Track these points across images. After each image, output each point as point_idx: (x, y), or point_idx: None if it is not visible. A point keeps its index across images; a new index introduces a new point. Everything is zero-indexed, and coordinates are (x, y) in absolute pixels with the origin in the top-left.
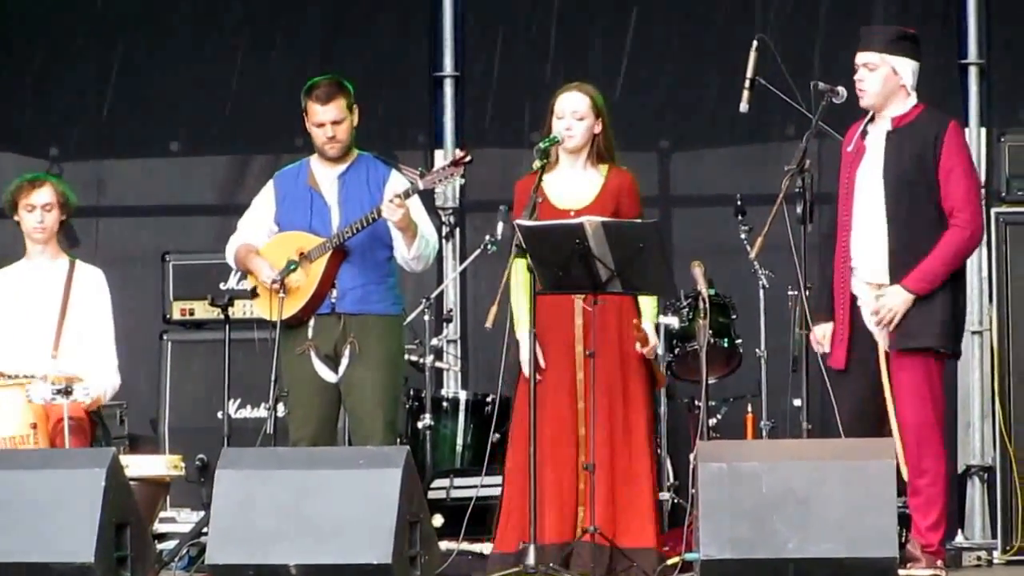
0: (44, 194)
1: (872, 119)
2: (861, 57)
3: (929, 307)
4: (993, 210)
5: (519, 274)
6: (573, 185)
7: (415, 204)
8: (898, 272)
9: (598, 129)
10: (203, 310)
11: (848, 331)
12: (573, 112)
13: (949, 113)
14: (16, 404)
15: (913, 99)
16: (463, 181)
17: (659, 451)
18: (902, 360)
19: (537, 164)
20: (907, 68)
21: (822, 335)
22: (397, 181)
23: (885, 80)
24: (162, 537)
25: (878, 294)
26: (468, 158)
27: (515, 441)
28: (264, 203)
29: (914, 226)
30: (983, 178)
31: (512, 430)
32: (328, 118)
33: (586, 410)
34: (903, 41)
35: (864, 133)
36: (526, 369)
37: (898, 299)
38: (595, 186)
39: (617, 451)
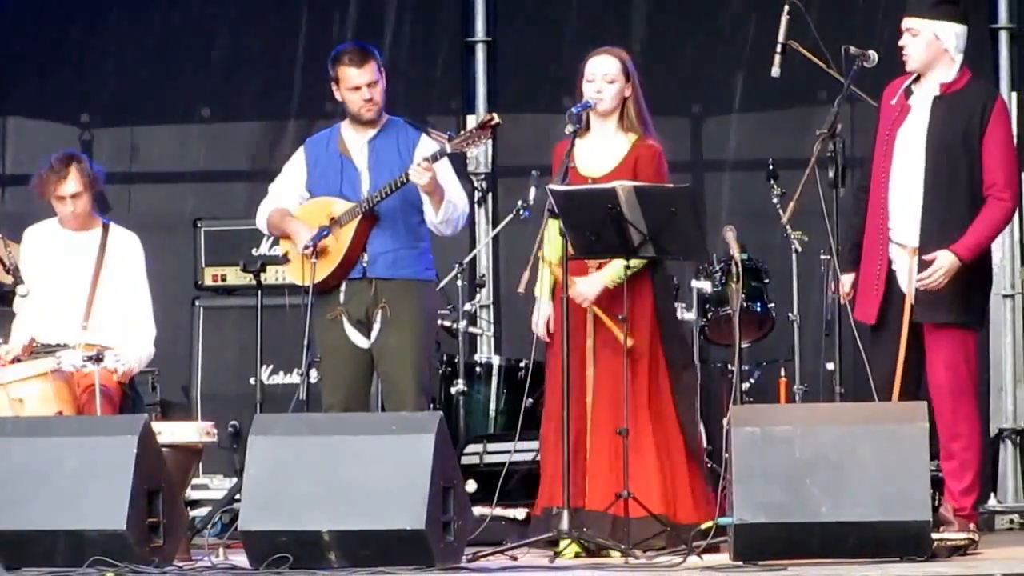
0: (71, 184)
1: (917, 79)
2: (906, 22)
3: (953, 281)
4: (1023, 173)
5: (551, 239)
6: (598, 151)
7: (444, 168)
8: (928, 241)
9: (628, 92)
10: (235, 276)
11: (884, 288)
12: (604, 75)
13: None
14: (40, 394)
15: (959, 64)
16: (490, 143)
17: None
18: (936, 333)
19: (569, 129)
20: (950, 32)
21: (848, 287)
22: (427, 145)
23: (928, 45)
24: (194, 504)
25: (927, 258)
26: (495, 121)
27: (547, 406)
28: (295, 169)
29: (950, 194)
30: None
31: (546, 396)
32: (364, 80)
33: (596, 376)
34: (945, 5)
35: (908, 92)
36: (538, 330)
37: (948, 261)
38: (618, 155)
39: (643, 416)
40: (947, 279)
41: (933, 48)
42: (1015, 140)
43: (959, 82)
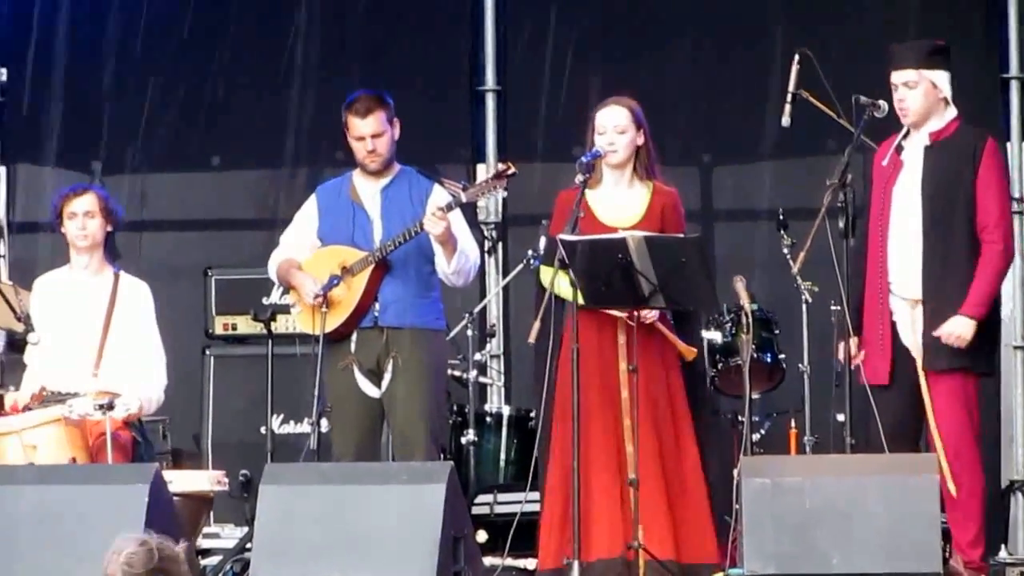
0: (85, 202)
1: (907, 134)
2: (898, 76)
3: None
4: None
5: (551, 279)
6: (620, 201)
7: (456, 218)
8: (931, 287)
9: (640, 141)
10: (246, 325)
11: (890, 346)
12: (615, 126)
13: (989, 127)
14: (54, 440)
15: (952, 111)
16: (505, 194)
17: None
18: (937, 378)
19: (579, 179)
20: (944, 80)
21: (854, 351)
22: (440, 195)
23: (926, 95)
24: (206, 553)
25: (944, 332)
26: (511, 171)
27: (555, 458)
28: (306, 217)
29: (949, 241)
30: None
31: (553, 447)
32: (367, 131)
33: (632, 426)
34: (936, 55)
35: (900, 148)
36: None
37: (963, 327)
38: (642, 203)
39: (668, 466)
40: (965, 339)
41: (931, 97)
42: (1008, 181)
43: (948, 128)
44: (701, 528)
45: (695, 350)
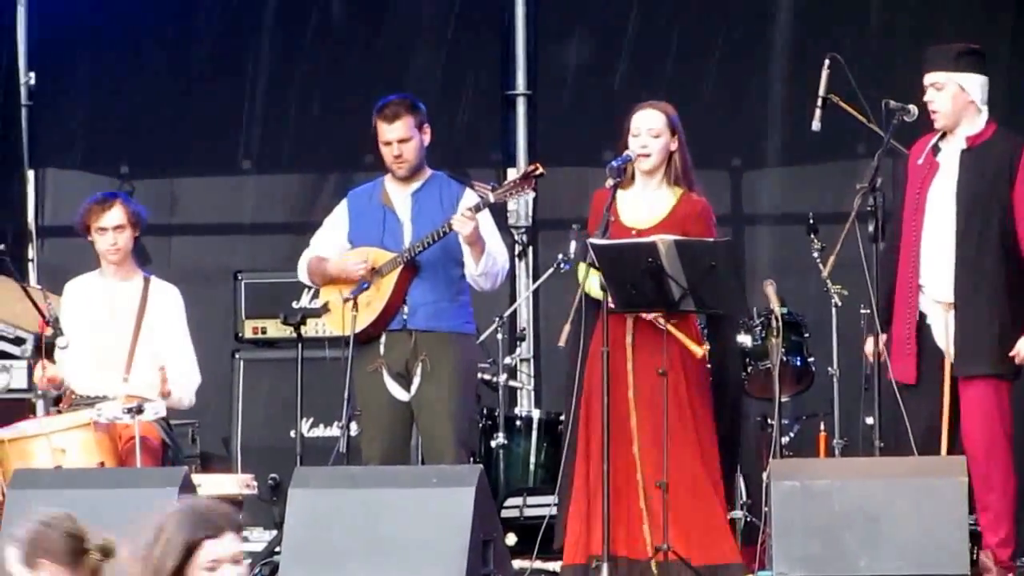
0: (114, 216)
1: (944, 135)
2: (928, 78)
3: (989, 333)
4: None
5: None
6: (643, 204)
7: (486, 221)
8: (963, 293)
9: (674, 147)
10: (275, 328)
11: (916, 347)
12: (649, 130)
13: (1019, 126)
14: (83, 444)
15: (985, 115)
16: (534, 195)
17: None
18: (969, 382)
19: (610, 182)
20: (975, 84)
21: (872, 348)
22: (470, 198)
23: (954, 98)
24: None
25: (1017, 354)
26: (539, 171)
27: (581, 458)
28: (337, 221)
29: (982, 246)
30: None
31: (579, 447)
32: (394, 136)
33: (639, 428)
34: (968, 56)
35: (936, 149)
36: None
37: None
38: (664, 208)
39: (685, 468)
40: None
41: (959, 101)
42: None
43: (985, 133)
44: (718, 529)
45: (704, 347)
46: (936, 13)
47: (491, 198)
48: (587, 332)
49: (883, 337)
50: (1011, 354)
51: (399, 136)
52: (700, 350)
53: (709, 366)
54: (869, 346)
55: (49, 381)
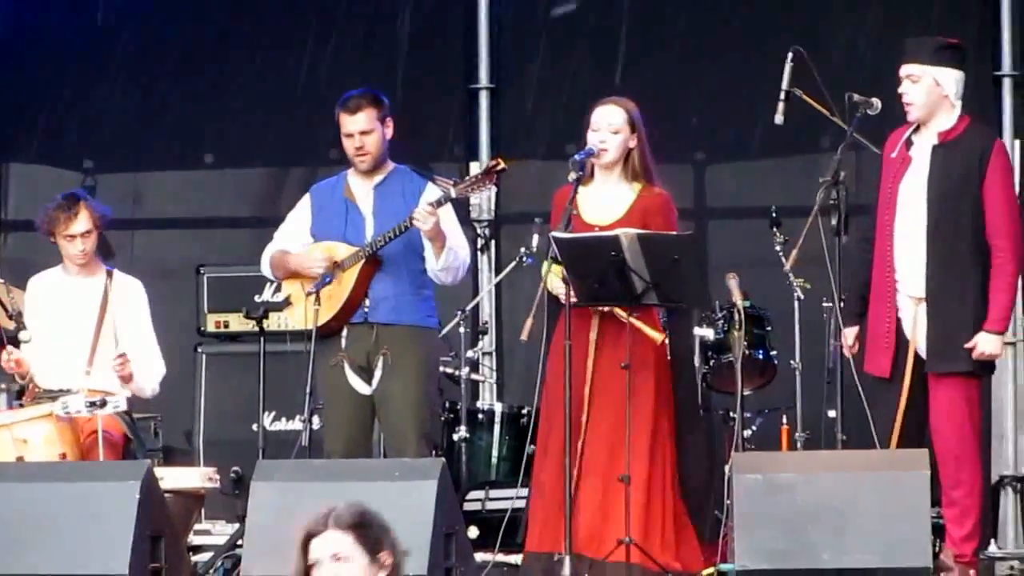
0: (82, 223)
1: (917, 129)
2: (905, 69)
3: (961, 330)
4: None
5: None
6: (604, 200)
7: (448, 216)
8: (933, 287)
9: (633, 143)
10: (238, 322)
11: (894, 340)
12: (609, 125)
13: (989, 124)
14: (45, 435)
15: (958, 110)
16: (496, 190)
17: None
18: (939, 378)
19: (572, 176)
20: (950, 79)
21: (851, 340)
22: (432, 192)
23: (928, 91)
24: (197, 549)
25: (974, 347)
26: (501, 166)
27: (540, 452)
28: (300, 215)
29: (954, 241)
30: (1017, 189)
31: (538, 441)
32: (356, 128)
33: (588, 424)
34: (945, 51)
35: (909, 143)
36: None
37: (992, 342)
38: (625, 203)
39: (635, 466)
40: (998, 353)
41: (934, 94)
42: (1016, 184)
43: (957, 128)
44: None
45: (661, 334)
46: (901, 5)
47: (453, 193)
48: (551, 326)
49: (854, 330)
50: (967, 345)
51: (361, 128)
52: (659, 336)
53: (669, 358)
54: (846, 338)
55: (17, 364)
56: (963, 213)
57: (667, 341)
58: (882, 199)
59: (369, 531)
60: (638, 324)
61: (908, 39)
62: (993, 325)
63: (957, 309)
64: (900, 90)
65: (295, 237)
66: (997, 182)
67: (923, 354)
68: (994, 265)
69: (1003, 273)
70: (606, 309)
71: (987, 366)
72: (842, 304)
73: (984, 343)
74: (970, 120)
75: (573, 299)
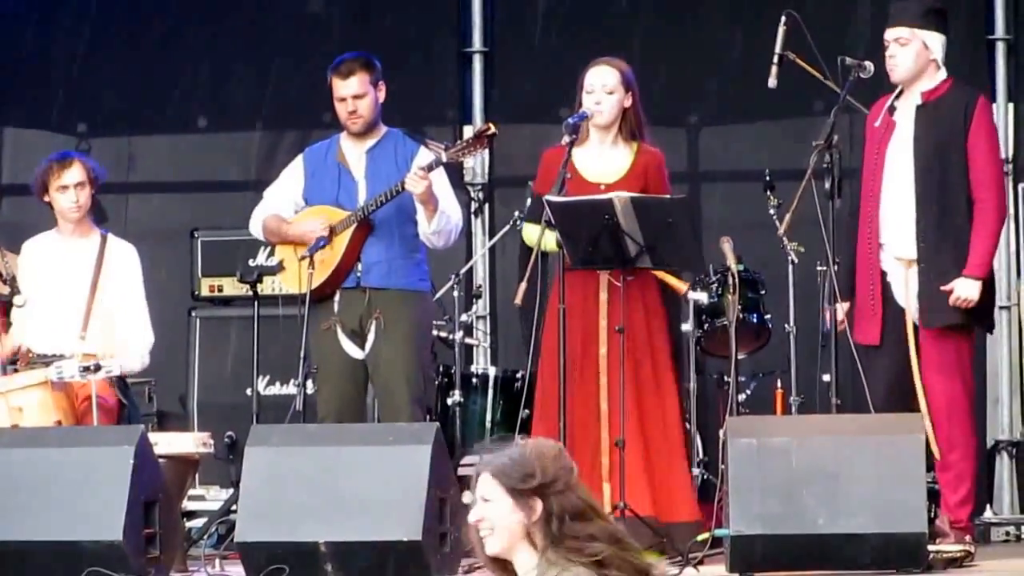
0: (75, 173)
1: (899, 94)
2: (892, 32)
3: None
4: (1020, 185)
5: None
6: (603, 159)
7: (440, 180)
8: (925, 247)
9: (628, 103)
10: (232, 287)
11: (881, 307)
12: (603, 86)
13: (978, 86)
14: (39, 402)
15: (943, 73)
16: (488, 154)
17: (688, 426)
18: (932, 336)
19: (566, 139)
20: (937, 42)
21: (841, 315)
22: (424, 156)
23: (917, 55)
24: (191, 515)
25: (949, 291)
26: (492, 131)
27: (539, 415)
28: (292, 177)
29: (943, 200)
30: (1011, 153)
31: (537, 405)
32: (348, 92)
33: (609, 385)
34: (933, 15)
35: (892, 109)
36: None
37: (969, 287)
38: (625, 162)
39: (649, 426)
40: (973, 300)
41: (922, 58)
42: (999, 141)
43: (940, 88)
44: (680, 488)
45: (686, 284)
46: None
47: (444, 157)
48: (544, 290)
49: (846, 305)
50: (944, 288)
51: (353, 92)
52: (684, 286)
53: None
54: (830, 314)
55: (12, 352)
56: (950, 170)
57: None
58: (867, 168)
59: (510, 478)
60: (663, 275)
61: (893, 2)
62: (972, 270)
63: (948, 265)
64: (888, 53)
65: (286, 199)
66: (981, 136)
67: (914, 316)
68: (976, 214)
69: (984, 222)
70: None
71: (981, 320)
72: (836, 269)
73: (962, 287)
74: (953, 80)
75: (567, 263)
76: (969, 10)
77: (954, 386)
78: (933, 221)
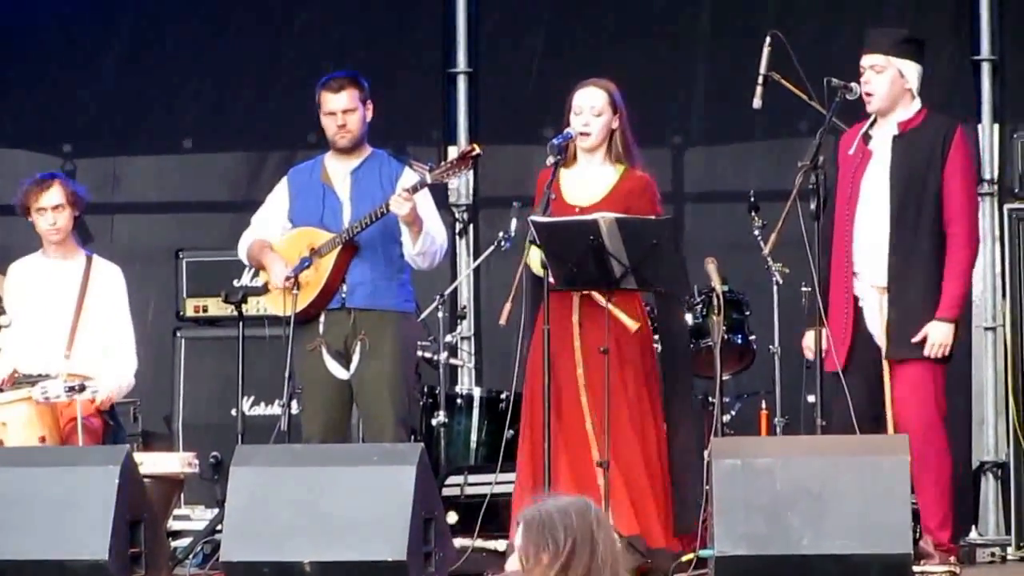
0: (53, 195)
1: (873, 123)
2: (867, 59)
3: (924, 316)
4: (1006, 206)
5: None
6: (585, 182)
7: (424, 201)
8: (896, 275)
9: (615, 125)
10: (217, 307)
11: (851, 333)
12: (591, 108)
13: (962, 109)
14: (24, 418)
15: (918, 103)
16: (472, 175)
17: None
18: (903, 366)
19: (551, 160)
20: (913, 71)
21: (811, 342)
22: (409, 177)
23: (892, 82)
24: (176, 534)
25: (926, 338)
26: (476, 151)
27: (524, 436)
28: (278, 199)
29: (916, 230)
30: (996, 174)
31: (521, 425)
32: (339, 106)
33: (589, 406)
34: (909, 44)
35: (867, 137)
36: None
37: (942, 331)
38: (607, 184)
39: (629, 447)
40: (946, 344)
41: (897, 86)
42: (975, 173)
43: (916, 119)
44: (647, 512)
45: (638, 322)
46: None
47: (428, 178)
48: (531, 310)
49: (827, 330)
50: (914, 340)
51: (344, 106)
52: (634, 324)
53: (658, 347)
54: (807, 339)
55: (9, 379)
56: (925, 201)
57: (651, 327)
58: (840, 196)
59: (530, 533)
60: (615, 311)
61: (871, 29)
62: (944, 312)
63: (920, 296)
64: (863, 79)
65: (273, 221)
66: (957, 169)
67: (881, 343)
68: (948, 252)
69: (956, 260)
70: (585, 292)
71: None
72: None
73: (934, 332)
74: (928, 110)
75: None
76: (954, 31)
77: (928, 410)
78: (905, 250)
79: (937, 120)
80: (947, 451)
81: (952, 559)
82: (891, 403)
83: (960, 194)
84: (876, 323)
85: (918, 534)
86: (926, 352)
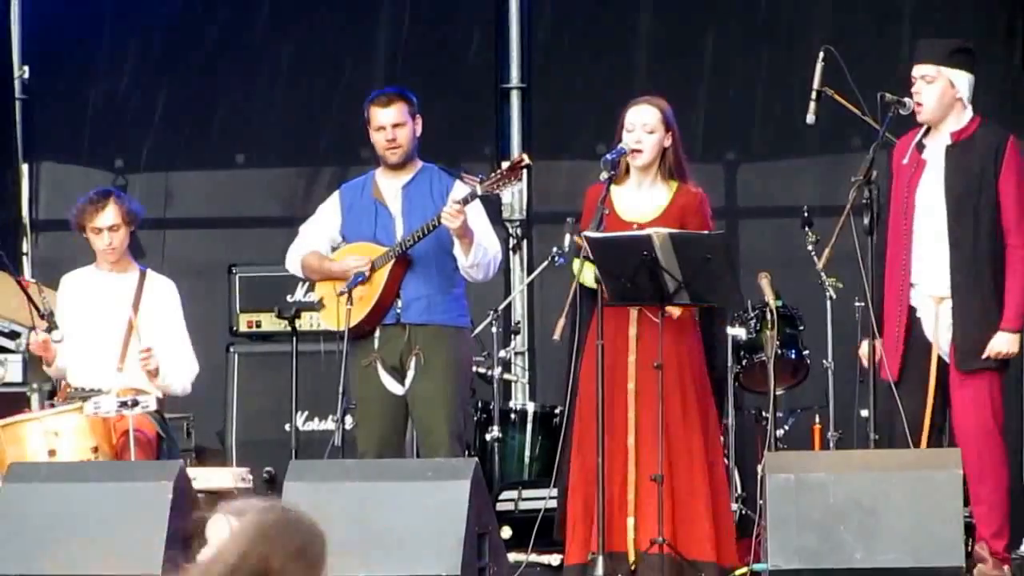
0: (109, 216)
1: (927, 132)
2: (918, 70)
3: (988, 327)
4: None
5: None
6: (640, 198)
7: (476, 212)
8: (958, 285)
9: (668, 143)
10: (270, 322)
11: (904, 344)
12: (643, 125)
13: (1010, 123)
14: (76, 429)
15: (970, 112)
16: (524, 187)
17: (727, 462)
18: (965, 376)
19: (604, 176)
20: (964, 81)
21: (865, 351)
22: (460, 190)
23: (942, 93)
24: None
25: (992, 351)
26: (526, 162)
27: (575, 451)
28: (329, 213)
29: (976, 241)
30: None
31: (573, 441)
32: (388, 121)
33: (638, 421)
34: (960, 54)
35: (920, 146)
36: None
37: (1007, 343)
38: (662, 202)
39: (675, 463)
40: (1015, 351)
41: (948, 96)
42: None
43: (970, 128)
44: (697, 526)
45: (679, 310)
46: (933, 3)
47: (479, 190)
48: (583, 325)
49: (880, 341)
50: (984, 355)
51: (393, 121)
52: (676, 311)
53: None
54: (863, 349)
55: (44, 344)
56: (982, 210)
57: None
58: (895, 206)
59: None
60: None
61: (921, 40)
62: (1008, 324)
63: (982, 307)
64: (914, 90)
65: (323, 236)
66: (1011, 179)
67: (944, 354)
68: (1008, 263)
69: (1016, 272)
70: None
71: (1006, 361)
72: (872, 298)
73: (1000, 343)
74: (981, 119)
75: (605, 299)
76: (1003, 45)
77: (986, 420)
78: (965, 261)
79: (989, 130)
80: (1004, 459)
81: (1006, 568)
82: (955, 413)
83: (1017, 205)
84: (932, 332)
85: (970, 547)
86: (990, 355)
